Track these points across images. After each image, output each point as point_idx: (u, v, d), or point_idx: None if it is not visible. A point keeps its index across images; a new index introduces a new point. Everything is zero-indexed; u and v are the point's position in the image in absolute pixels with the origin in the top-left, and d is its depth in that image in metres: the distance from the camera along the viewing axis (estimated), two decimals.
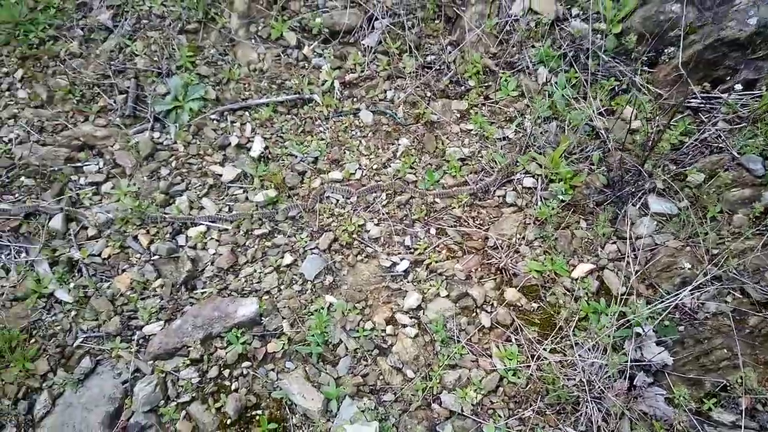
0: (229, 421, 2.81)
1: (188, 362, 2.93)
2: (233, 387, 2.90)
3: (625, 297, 2.97)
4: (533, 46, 3.76)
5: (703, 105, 3.54)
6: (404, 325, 3.05)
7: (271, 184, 3.46)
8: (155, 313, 3.10)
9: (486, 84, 3.76)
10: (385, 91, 3.79)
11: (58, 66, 3.92)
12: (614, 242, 3.24)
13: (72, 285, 3.17)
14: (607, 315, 2.93)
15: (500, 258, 3.17)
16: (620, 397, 2.71)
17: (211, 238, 3.34)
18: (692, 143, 3.40)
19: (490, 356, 2.94)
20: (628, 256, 3.11)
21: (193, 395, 2.88)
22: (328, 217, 3.37)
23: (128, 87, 3.76)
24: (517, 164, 3.43)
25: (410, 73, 3.79)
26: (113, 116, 3.74)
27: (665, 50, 3.60)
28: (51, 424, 2.84)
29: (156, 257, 3.27)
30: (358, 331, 3.01)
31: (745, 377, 2.55)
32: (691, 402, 2.61)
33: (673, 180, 3.29)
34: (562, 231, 3.24)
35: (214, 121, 3.73)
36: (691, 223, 3.15)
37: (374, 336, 3.01)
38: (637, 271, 3.06)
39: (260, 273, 3.22)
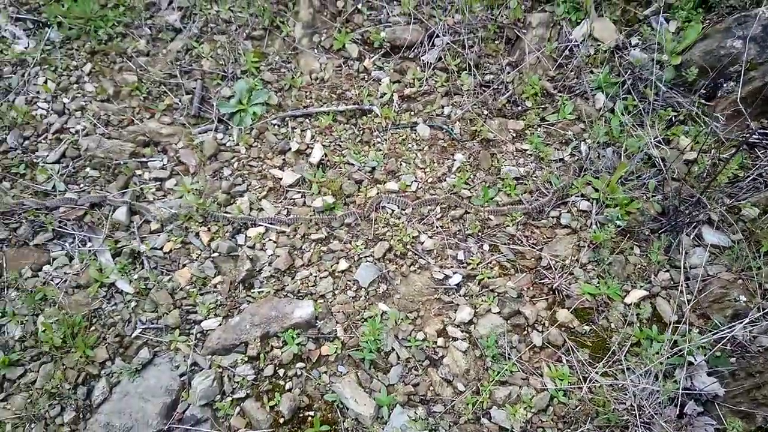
0: (282, 420, 2.87)
1: (246, 359, 3.00)
2: (287, 387, 2.95)
3: (676, 325, 3.00)
4: (592, 72, 3.82)
5: (759, 141, 3.57)
6: (455, 339, 3.09)
7: (329, 190, 3.54)
8: (213, 308, 3.18)
9: (543, 106, 3.82)
10: (443, 107, 3.86)
11: (125, 62, 4.04)
12: (667, 270, 3.27)
13: (133, 276, 3.25)
14: (659, 342, 2.96)
15: (553, 278, 3.21)
16: (670, 424, 2.73)
17: (269, 240, 3.42)
18: (747, 178, 3.42)
19: (541, 375, 2.98)
20: (680, 285, 3.14)
21: (248, 392, 2.94)
22: (383, 227, 3.43)
23: (194, 87, 3.87)
24: (573, 187, 3.48)
25: (468, 90, 3.86)
26: (178, 115, 3.84)
27: (724, 84, 3.64)
28: (108, 411, 2.91)
29: (216, 254, 3.35)
30: (409, 341, 3.06)
31: None
32: None
33: (728, 213, 3.32)
34: (616, 256, 3.28)
35: (276, 126, 3.82)
36: (745, 256, 3.18)
37: (425, 347, 3.06)
38: (689, 301, 3.08)
39: (316, 277, 3.29)
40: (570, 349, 3.05)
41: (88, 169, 3.61)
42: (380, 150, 3.69)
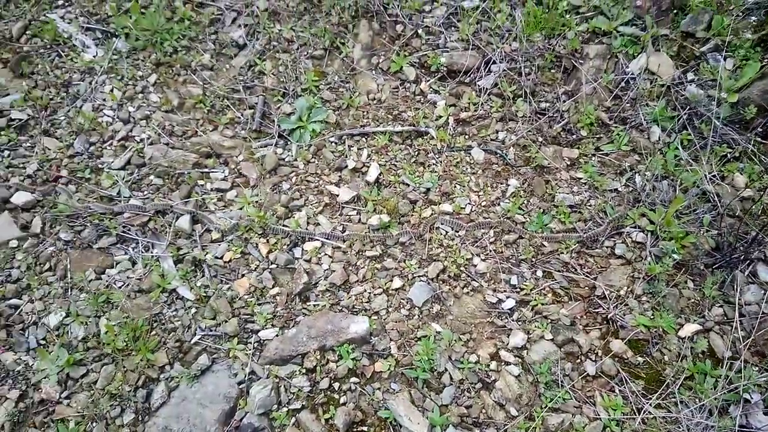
0: None
1: (303, 371, 3.05)
2: (341, 400, 3.00)
3: (731, 361, 3.00)
4: (647, 105, 3.86)
5: None
6: (508, 363, 3.12)
7: (384, 209, 3.60)
8: (270, 319, 3.24)
9: (598, 135, 3.87)
10: (497, 132, 3.92)
11: (189, 75, 4.17)
12: (721, 306, 3.27)
13: (194, 283, 3.33)
14: (713, 377, 2.96)
15: (608, 308, 3.23)
16: None
17: (325, 254, 3.48)
18: None
19: (594, 404, 2.99)
20: (735, 322, 3.14)
21: (304, 403, 2.99)
22: (437, 247, 3.48)
23: (256, 103, 3.98)
24: (627, 218, 3.50)
25: (523, 117, 3.92)
26: (240, 129, 3.95)
27: None
28: (166, 415, 2.97)
29: (273, 266, 3.43)
30: (462, 363, 3.10)
31: None
32: None
33: None
34: (670, 289, 3.29)
35: (333, 144, 3.91)
36: None
37: (478, 369, 3.09)
38: (744, 338, 3.08)
39: (370, 293, 3.34)
40: (623, 379, 3.05)
41: (152, 177, 3.72)
42: (435, 171, 3.76)
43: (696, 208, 3.55)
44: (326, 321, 3.19)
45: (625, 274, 3.38)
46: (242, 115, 3.99)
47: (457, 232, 3.55)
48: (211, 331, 3.21)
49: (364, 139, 3.93)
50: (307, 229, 3.55)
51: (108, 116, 3.93)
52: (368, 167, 3.79)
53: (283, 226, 3.52)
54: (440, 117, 3.96)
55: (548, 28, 4.04)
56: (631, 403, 2.96)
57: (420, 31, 4.19)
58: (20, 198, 3.55)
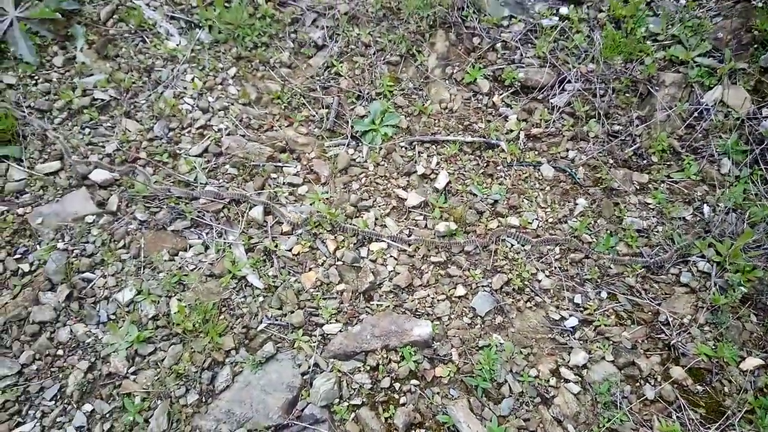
0: None
1: (367, 368, 3.11)
2: (401, 401, 3.05)
3: None
4: (720, 137, 3.86)
5: None
6: (567, 380, 3.14)
7: (450, 216, 3.65)
8: (335, 314, 3.31)
9: (668, 163, 3.88)
10: (567, 150, 3.95)
11: (267, 71, 4.29)
12: None
13: (263, 272, 3.42)
14: None
15: (670, 335, 3.24)
16: None
17: (391, 256, 3.54)
18: None
19: (651, 428, 2.99)
20: None
21: (364, 400, 3.04)
22: (502, 259, 3.52)
23: (331, 103, 4.07)
24: (694, 246, 3.50)
25: (595, 137, 3.95)
26: (314, 127, 4.04)
27: None
28: (229, 398, 3.05)
29: (340, 263, 3.50)
30: (522, 376, 3.12)
31: None
32: None
33: None
34: (734, 321, 3.28)
35: (403, 149, 3.98)
36: None
37: (537, 384, 3.11)
38: None
39: (433, 298, 3.39)
40: (682, 406, 3.05)
41: (227, 167, 3.83)
42: (503, 184, 3.80)
43: (763, 243, 3.54)
44: (390, 321, 3.25)
45: (689, 302, 3.38)
46: (317, 113, 4.08)
47: (523, 246, 3.58)
48: (276, 320, 3.29)
49: (434, 146, 3.99)
50: (374, 229, 3.61)
51: (188, 104, 4.05)
52: (437, 174, 3.85)
53: (351, 224, 3.59)
54: (511, 131, 4.01)
55: (626, 53, 4.06)
56: (689, 430, 2.96)
57: (497, 45, 4.24)
58: (99, 176, 3.68)
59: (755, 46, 4.01)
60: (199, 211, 3.62)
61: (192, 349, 3.18)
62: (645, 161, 3.88)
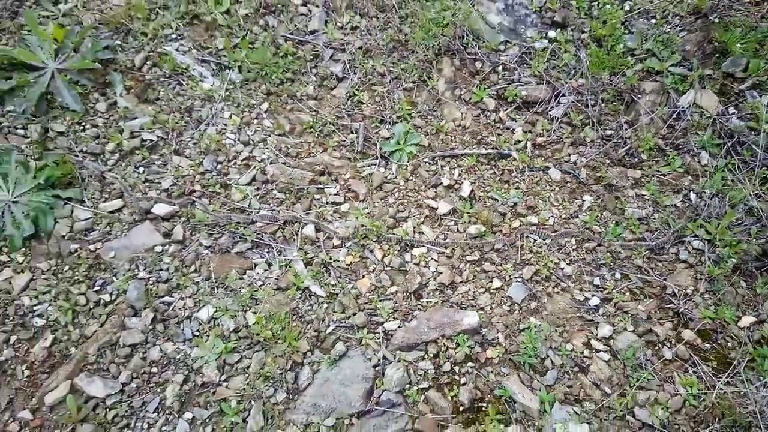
0: (461, 408, 3.43)
1: (429, 356, 3.58)
2: (462, 381, 3.53)
3: None
4: (697, 134, 4.51)
5: None
6: (598, 350, 3.68)
7: (478, 220, 4.18)
8: (392, 313, 3.77)
9: (656, 159, 4.50)
10: (569, 155, 4.53)
11: (296, 104, 4.75)
12: None
13: (323, 282, 3.86)
14: None
15: (678, 304, 3.82)
16: None
17: (432, 259, 4.03)
18: None
19: (674, 383, 3.55)
20: None
21: (430, 383, 3.51)
22: (528, 253, 4.06)
23: (358, 128, 4.56)
24: (687, 228, 4.11)
25: (591, 142, 4.55)
26: (345, 151, 4.52)
27: None
28: (313, 394, 3.48)
29: (388, 268, 3.97)
30: (560, 350, 3.65)
31: None
32: None
33: None
34: (728, 288, 3.89)
35: (427, 164, 4.49)
36: None
37: (574, 356, 3.65)
38: None
39: (474, 292, 3.90)
40: (696, 362, 3.63)
41: (275, 192, 4.26)
42: (519, 188, 4.35)
43: (743, 221, 4.17)
44: (442, 315, 3.73)
45: (689, 275, 3.98)
46: (346, 138, 4.56)
47: (544, 240, 4.13)
48: (341, 323, 3.73)
49: (454, 160, 4.51)
50: (414, 236, 4.09)
51: (230, 138, 4.47)
52: (460, 184, 4.37)
53: (393, 234, 4.07)
54: (519, 141, 4.57)
55: (609, 67, 4.69)
56: (704, 381, 3.53)
57: (498, 67, 4.81)
58: (160, 209, 4.06)
59: (717, 55, 4.70)
60: (257, 234, 4.03)
61: (273, 354, 3.59)
62: (636, 159, 4.50)
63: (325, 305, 3.79)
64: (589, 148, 4.56)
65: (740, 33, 4.62)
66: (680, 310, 3.81)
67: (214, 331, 3.63)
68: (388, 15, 5.04)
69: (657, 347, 3.71)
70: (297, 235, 4.05)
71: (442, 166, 4.49)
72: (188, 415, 3.39)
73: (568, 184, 4.44)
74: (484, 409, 3.45)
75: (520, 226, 4.17)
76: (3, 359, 3.50)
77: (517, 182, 4.41)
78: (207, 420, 3.38)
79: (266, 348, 3.61)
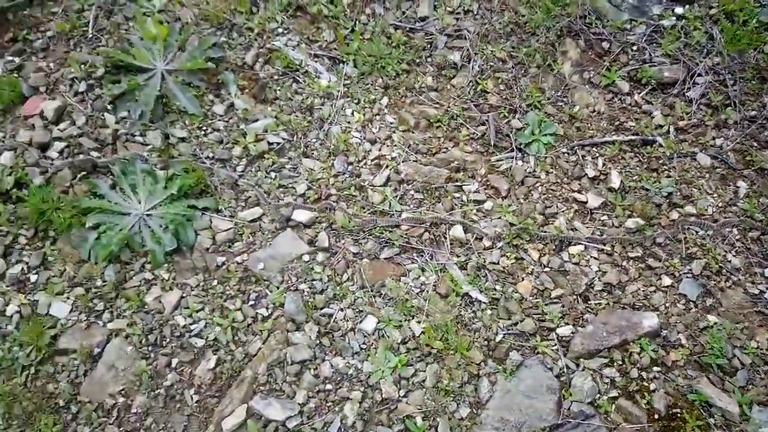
0: (656, 416, 3.22)
1: (614, 362, 3.37)
2: (651, 387, 3.32)
3: None
4: None
5: None
6: None
7: (633, 213, 3.93)
8: (561, 317, 3.55)
9: None
10: (714, 138, 4.28)
11: (416, 96, 4.48)
12: None
13: (482, 287, 3.63)
14: None
15: None
16: None
17: (591, 257, 3.80)
18: None
19: None
20: None
21: (619, 392, 3.30)
22: (693, 246, 3.82)
23: (487, 119, 4.30)
24: None
25: (734, 123, 4.29)
26: (476, 144, 4.27)
27: None
28: (496, 407, 3.28)
29: (548, 269, 3.74)
30: (746, 348, 3.43)
31: None
32: None
33: None
34: None
35: (566, 155, 4.24)
36: None
37: (761, 353, 3.43)
38: None
39: (644, 291, 3.67)
40: None
41: (412, 192, 4.02)
42: (671, 177, 4.10)
43: None
44: (618, 317, 3.51)
45: None
46: (476, 131, 4.30)
47: (707, 232, 3.89)
48: (509, 330, 3.51)
49: (594, 149, 4.26)
50: (567, 233, 3.85)
51: (356, 137, 4.21)
52: (606, 175, 4.12)
53: (544, 231, 3.83)
54: (661, 126, 4.31)
55: (745, 44, 4.41)
56: None
57: (626, 48, 4.54)
58: (301, 216, 3.83)
59: None
60: (404, 237, 3.80)
61: (447, 366, 3.37)
62: None
63: (489, 311, 3.57)
64: (733, 131, 4.30)
65: None
66: None
67: (381, 343, 3.42)
68: None
69: None
70: (445, 237, 3.82)
71: (582, 156, 4.24)
72: None
73: (717, 169, 4.19)
74: (680, 415, 3.24)
75: (679, 217, 3.93)
76: (169, 384, 3.29)
77: (666, 170, 4.16)
78: None
79: (438, 359, 3.39)
